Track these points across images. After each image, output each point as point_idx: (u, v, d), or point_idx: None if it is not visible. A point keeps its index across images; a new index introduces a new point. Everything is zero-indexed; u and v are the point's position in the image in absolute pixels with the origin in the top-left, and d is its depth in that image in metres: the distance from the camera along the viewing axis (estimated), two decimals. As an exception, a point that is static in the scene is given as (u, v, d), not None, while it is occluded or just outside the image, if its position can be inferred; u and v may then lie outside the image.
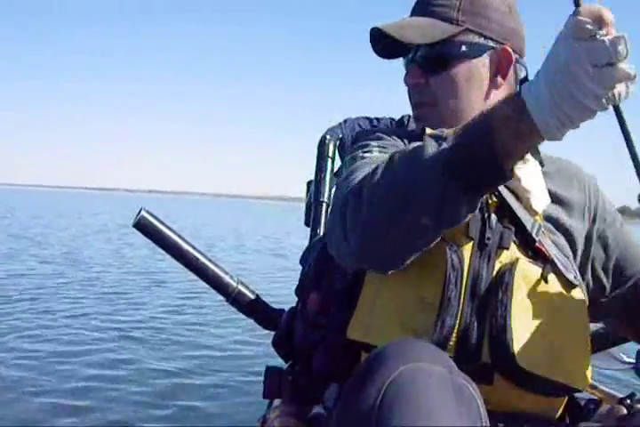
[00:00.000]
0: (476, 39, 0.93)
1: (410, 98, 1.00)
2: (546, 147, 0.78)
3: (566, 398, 0.91)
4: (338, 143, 1.63)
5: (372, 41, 0.97)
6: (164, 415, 2.93)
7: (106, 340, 4.27)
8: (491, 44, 0.94)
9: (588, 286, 0.99)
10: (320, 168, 1.80)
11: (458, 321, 0.82)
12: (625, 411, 1.02)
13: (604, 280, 1.01)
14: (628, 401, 1.32)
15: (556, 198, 0.96)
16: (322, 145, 1.63)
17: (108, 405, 3.01)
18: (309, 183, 1.59)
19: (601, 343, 1.35)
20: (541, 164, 0.93)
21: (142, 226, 1.26)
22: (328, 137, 1.62)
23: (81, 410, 2.92)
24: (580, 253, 0.98)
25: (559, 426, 0.91)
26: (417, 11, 0.98)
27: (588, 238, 0.99)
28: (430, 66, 0.94)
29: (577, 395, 0.98)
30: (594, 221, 0.99)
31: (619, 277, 1.01)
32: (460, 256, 0.84)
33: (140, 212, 1.26)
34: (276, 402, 1.12)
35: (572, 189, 0.99)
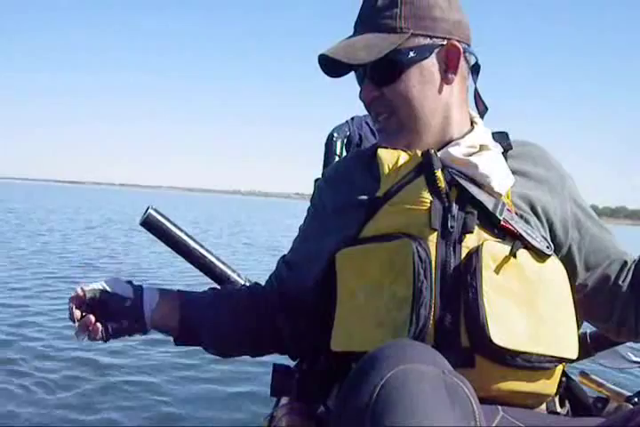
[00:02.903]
0: (423, 41, 0.93)
1: (369, 112, 1.01)
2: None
3: (560, 376, 0.91)
4: (345, 141, 1.63)
5: (321, 65, 0.97)
6: (169, 413, 2.94)
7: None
8: (438, 42, 0.94)
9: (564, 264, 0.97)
10: (327, 166, 1.79)
11: (432, 311, 0.83)
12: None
13: (577, 262, 1.00)
14: (636, 399, 1.32)
15: (522, 175, 0.97)
16: (329, 143, 1.63)
17: (111, 401, 3.04)
18: (317, 180, 1.58)
19: (607, 342, 1.35)
20: (510, 147, 0.98)
21: (150, 224, 1.25)
22: (335, 135, 1.62)
23: (82, 410, 2.94)
24: (559, 226, 0.98)
25: (556, 414, 0.92)
26: (360, 27, 0.97)
27: (564, 218, 0.99)
28: (382, 78, 0.95)
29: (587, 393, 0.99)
30: (567, 200, 1.00)
31: (590, 259, 1.00)
32: (426, 248, 0.86)
33: (147, 210, 1.25)
34: (284, 400, 1.12)
35: (537, 166, 1.00)
